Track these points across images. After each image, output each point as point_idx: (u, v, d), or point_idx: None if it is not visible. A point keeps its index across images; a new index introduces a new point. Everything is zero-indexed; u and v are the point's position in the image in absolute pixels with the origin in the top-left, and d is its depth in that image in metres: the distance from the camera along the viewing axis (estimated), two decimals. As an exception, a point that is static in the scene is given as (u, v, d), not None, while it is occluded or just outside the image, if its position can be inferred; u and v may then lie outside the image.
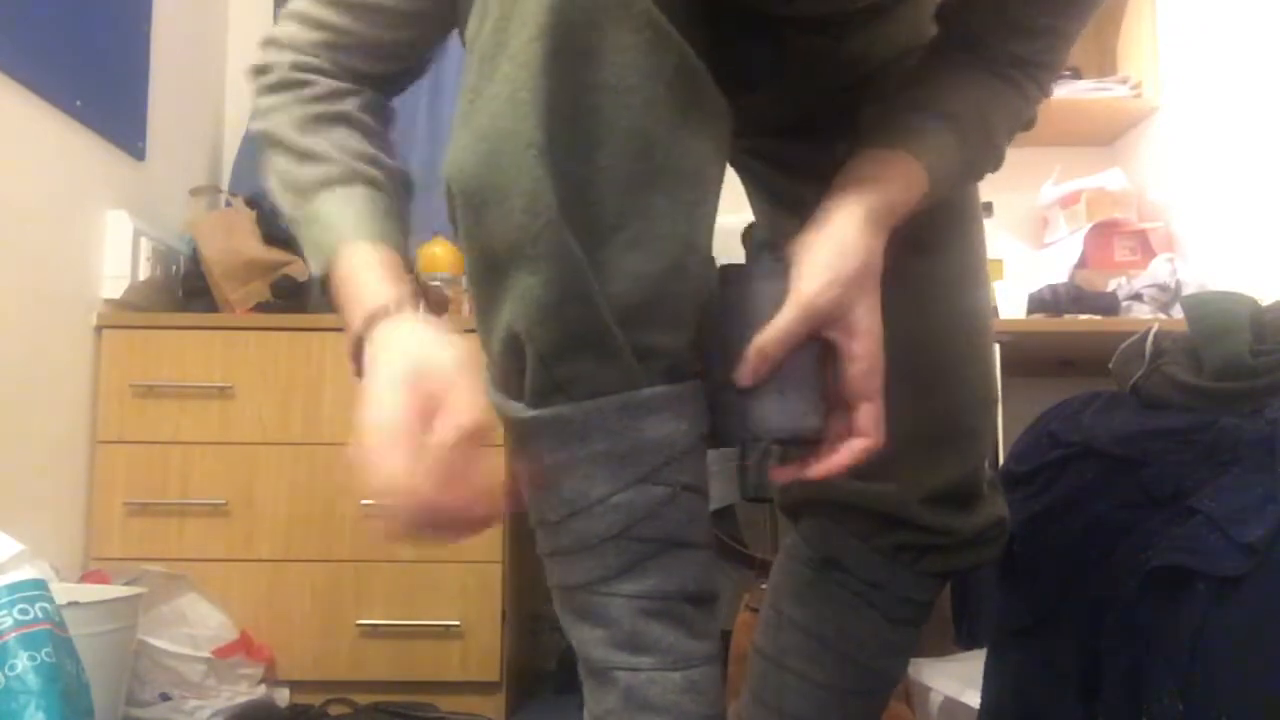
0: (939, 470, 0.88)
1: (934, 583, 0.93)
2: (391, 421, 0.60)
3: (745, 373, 0.64)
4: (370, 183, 0.75)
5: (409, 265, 0.74)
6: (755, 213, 1.00)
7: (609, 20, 0.58)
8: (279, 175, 0.77)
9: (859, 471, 0.88)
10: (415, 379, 0.60)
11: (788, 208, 0.81)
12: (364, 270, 0.69)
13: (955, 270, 0.92)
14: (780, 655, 0.94)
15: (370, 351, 0.65)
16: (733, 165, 0.95)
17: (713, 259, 0.66)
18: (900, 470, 0.87)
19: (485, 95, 0.58)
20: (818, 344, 0.66)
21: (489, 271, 0.60)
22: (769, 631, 0.96)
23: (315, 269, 0.73)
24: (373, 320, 0.66)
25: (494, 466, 0.60)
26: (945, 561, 0.90)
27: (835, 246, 0.66)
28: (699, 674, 0.63)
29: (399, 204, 0.78)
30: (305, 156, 0.75)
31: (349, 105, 0.78)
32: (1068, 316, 2.10)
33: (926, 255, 0.88)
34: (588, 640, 0.63)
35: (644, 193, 0.60)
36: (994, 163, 0.80)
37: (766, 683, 0.94)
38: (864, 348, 0.66)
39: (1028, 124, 0.85)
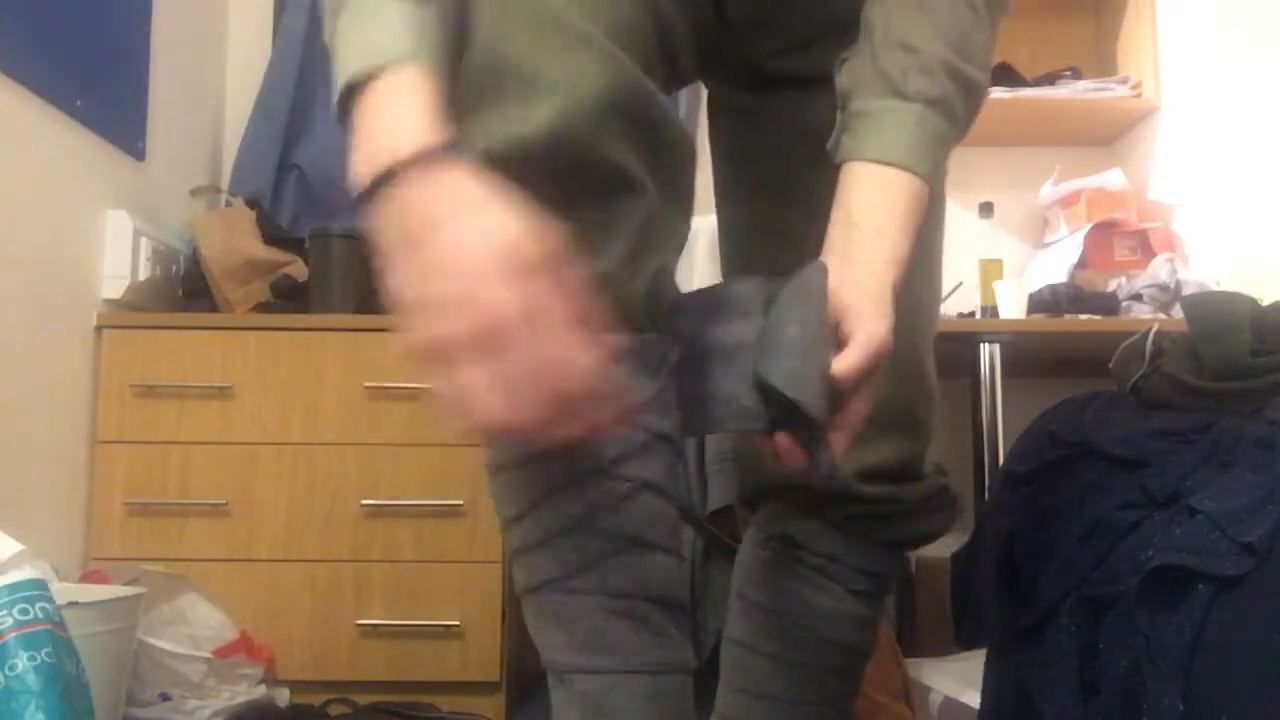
0: (881, 451, 0.90)
1: (888, 553, 0.95)
2: (501, 323, 0.52)
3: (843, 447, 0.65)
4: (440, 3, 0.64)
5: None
6: (716, 178, 1.02)
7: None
8: None
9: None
10: (510, 265, 0.52)
11: (744, 158, 0.83)
12: (412, 97, 0.59)
13: (918, 263, 0.94)
14: (750, 639, 0.95)
15: (419, 204, 0.56)
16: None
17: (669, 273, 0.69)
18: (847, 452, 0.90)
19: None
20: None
21: None
22: (736, 619, 0.98)
23: (345, 75, 0.61)
24: (421, 161, 0.56)
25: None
26: (895, 530, 0.93)
27: (874, 313, 0.68)
28: (665, 682, 0.63)
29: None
30: None
31: None
32: (1068, 316, 2.10)
33: None
34: (550, 644, 0.64)
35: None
36: (979, 107, 0.79)
37: (740, 669, 0.96)
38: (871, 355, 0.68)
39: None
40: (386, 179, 0.56)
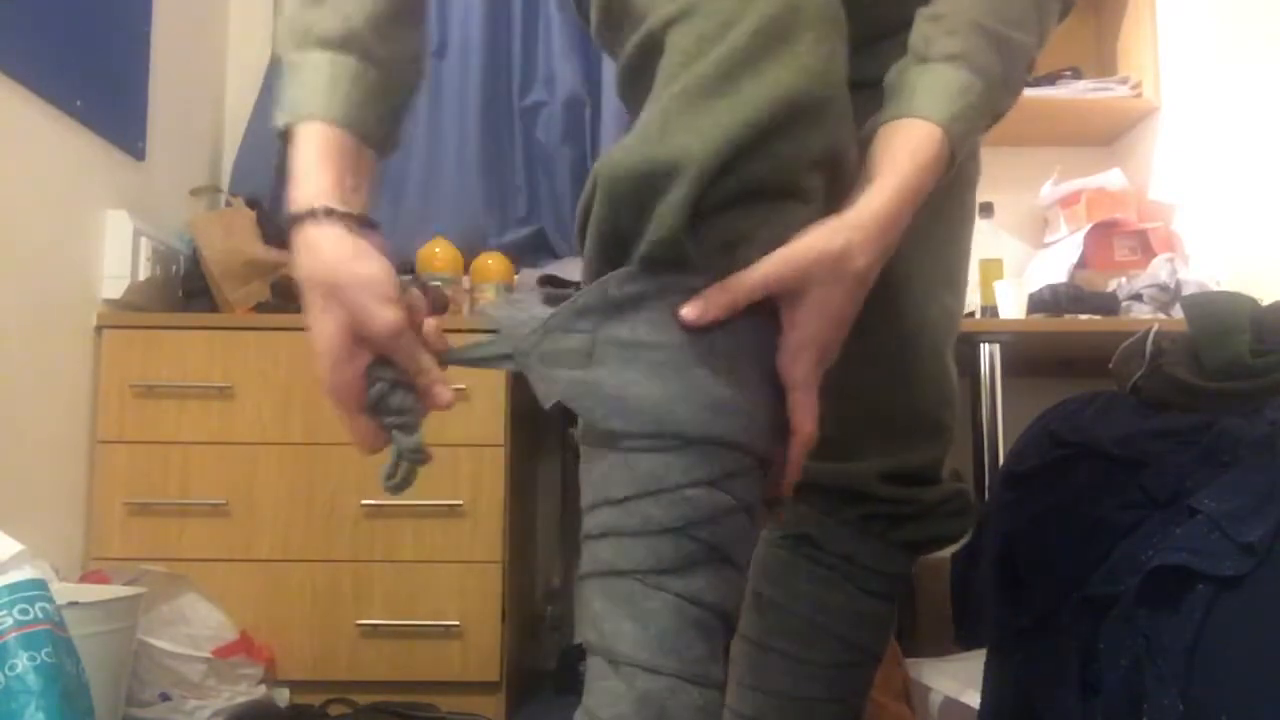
0: (904, 454, 0.91)
1: (903, 554, 0.95)
2: (327, 348, 0.67)
3: (703, 305, 0.62)
4: (365, 56, 0.74)
5: (386, 142, 0.77)
6: None
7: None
8: (291, 5, 0.76)
9: (829, 454, 0.90)
10: (335, 300, 0.67)
11: None
12: (312, 156, 0.71)
13: (948, 270, 0.95)
14: (762, 637, 0.95)
15: (299, 249, 0.69)
16: None
17: None
18: (868, 452, 0.91)
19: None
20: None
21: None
22: (750, 616, 0.98)
23: (279, 123, 0.74)
24: (302, 219, 0.69)
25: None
26: (912, 532, 0.93)
27: (827, 227, 0.65)
28: (713, 698, 0.63)
29: (398, 80, 0.77)
30: (317, 2, 0.74)
31: None
32: (1068, 316, 2.10)
33: (926, 256, 0.91)
34: (616, 633, 0.63)
35: None
36: (1024, 69, 0.76)
37: (750, 665, 0.96)
38: (797, 337, 0.65)
39: (1067, 5, 0.82)
40: (293, 221, 0.69)
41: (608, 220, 0.63)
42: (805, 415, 0.66)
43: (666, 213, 0.60)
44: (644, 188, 0.60)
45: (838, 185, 0.66)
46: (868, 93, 0.75)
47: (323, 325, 0.67)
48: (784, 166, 0.62)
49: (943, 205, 0.92)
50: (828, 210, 0.66)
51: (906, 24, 0.76)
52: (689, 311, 0.61)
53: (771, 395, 0.66)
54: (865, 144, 0.72)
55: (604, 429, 0.63)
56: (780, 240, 0.63)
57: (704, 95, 0.60)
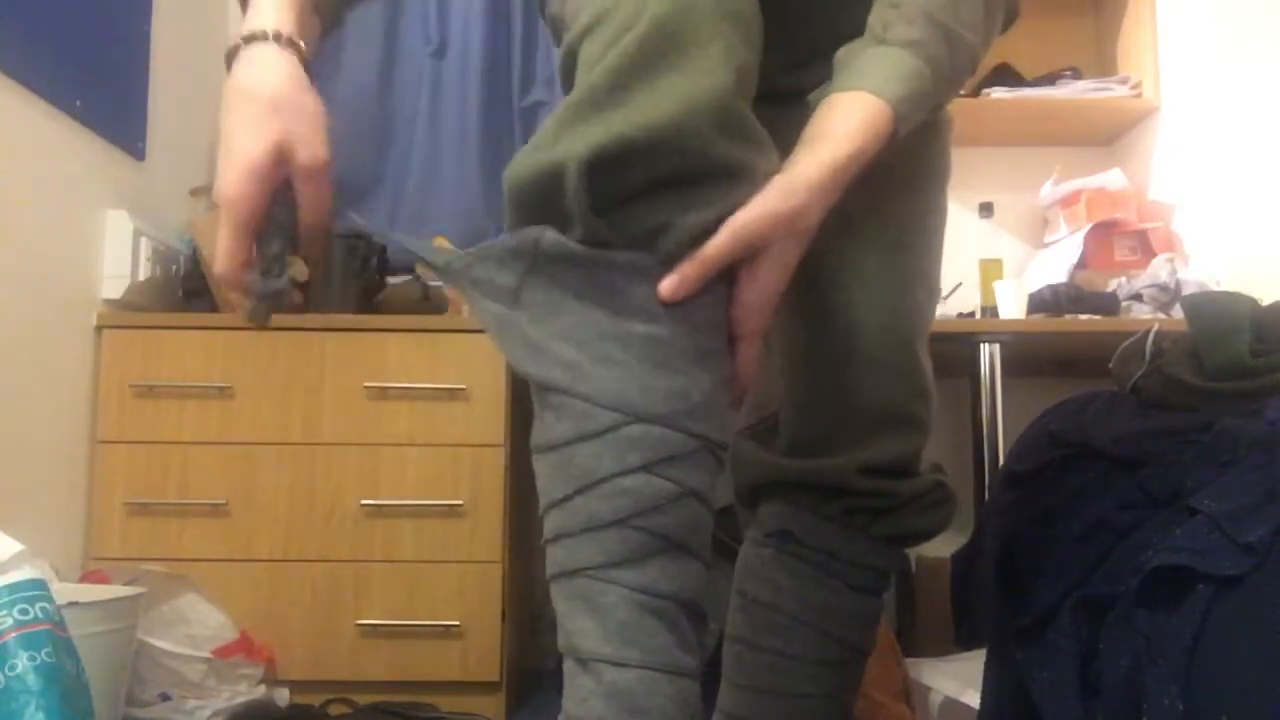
0: (880, 448, 0.93)
1: (887, 548, 0.96)
2: (248, 161, 0.68)
3: (675, 281, 0.63)
4: None
5: (332, 21, 0.80)
6: None
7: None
8: None
9: (808, 450, 0.93)
10: (275, 118, 0.69)
11: None
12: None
13: (920, 266, 0.96)
14: (750, 636, 0.96)
15: (244, 63, 0.71)
16: None
17: None
18: (845, 444, 0.93)
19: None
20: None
21: None
22: (737, 616, 0.99)
23: None
24: (258, 39, 0.71)
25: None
26: (891, 525, 0.94)
27: (782, 188, 0.67)
28: (686, 686, 0.64)
29: None
30: None
31: None
32: (1068, 316, 2.10)
33: (898, 253, 0.94)
34: (579, 630, 0.63)
35: None
36: (968, 68, 0.80)
37: (742, 666, 0.97)
38: (757, 292, 0.67)
39: (1010, 15, 0.85)
40: (248, 38, 0.71)
41: (518, 224, 0.65)
42: (749, 365, 0.70)
43: (571, 209, 0.62)
44: (542, 190, 0.63)
45: (765, 163, 0.67)
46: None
47: (252, 138, 0.69)
48: (696, 153, 0.63)
49: (911, 202, 0.94)
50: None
51: (853, 36, 0.78)
52: (666, 289, 0.63)
53: (708, 370, 0.66)
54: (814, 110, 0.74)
55: (518, 370, 0.65)
56: (713, 220, 0.64)
57: (594, 105, 0.62)
